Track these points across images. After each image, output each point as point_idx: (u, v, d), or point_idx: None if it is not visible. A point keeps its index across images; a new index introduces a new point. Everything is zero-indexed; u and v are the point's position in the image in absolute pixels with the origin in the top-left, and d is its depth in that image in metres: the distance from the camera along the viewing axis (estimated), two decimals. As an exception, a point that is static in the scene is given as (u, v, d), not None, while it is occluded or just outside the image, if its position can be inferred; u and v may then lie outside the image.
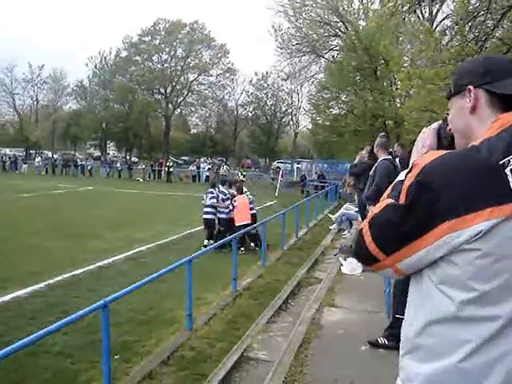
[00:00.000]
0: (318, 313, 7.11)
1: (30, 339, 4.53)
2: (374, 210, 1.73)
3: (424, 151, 1.92)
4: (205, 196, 15.03)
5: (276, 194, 33.96)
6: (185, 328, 7.71)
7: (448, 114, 1.89)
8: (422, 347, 1.66)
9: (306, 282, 10.48)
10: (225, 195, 14.83)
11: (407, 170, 1.73)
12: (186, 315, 7.76)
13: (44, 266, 11.82)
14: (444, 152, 1.66)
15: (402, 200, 1.63)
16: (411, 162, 1.91)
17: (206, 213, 14.80)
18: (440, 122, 1.97)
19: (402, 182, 1.75)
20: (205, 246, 13.62)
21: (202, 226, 15.38)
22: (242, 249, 13.89)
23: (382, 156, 8.36)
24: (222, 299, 9.43)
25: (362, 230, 1.73)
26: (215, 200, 14.70)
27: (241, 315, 8.54)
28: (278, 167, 56.04)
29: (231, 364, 6.05)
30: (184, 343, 7.14)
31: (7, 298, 9.36)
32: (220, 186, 15.34)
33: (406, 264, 1.64)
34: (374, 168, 8.65)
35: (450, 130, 1.89)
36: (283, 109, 72.47)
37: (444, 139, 1.92)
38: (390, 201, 1.69)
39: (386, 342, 5.85)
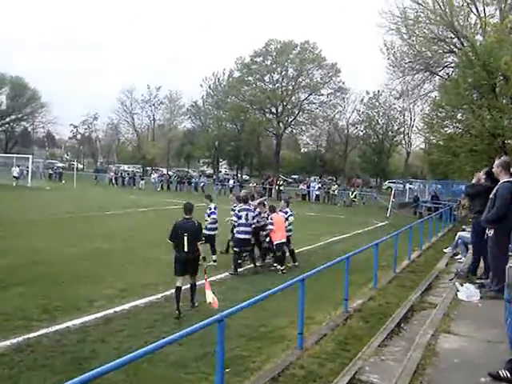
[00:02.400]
0: (433, 339, 6.84)
1: (150, 348, 4.69)
2: None
3: None
4: (245, 214, 13.96)
5: (387, 215, 33.26)
6: (295, 346, 7.74)
7: None
8: None
9: (419, 306, 10.14)
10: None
11: None
12: (296, 334, 7.80)
13: (160, 278, 12.35)
14: None
15: None
16: None
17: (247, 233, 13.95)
18: None
19: None
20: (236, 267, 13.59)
21: (304, 247, 15.45)
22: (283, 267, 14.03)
23: (504, 178, 7.98)
24: (332, 319, 9.36)
25: None
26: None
27: (352, 337, 8.43)
28: (390, 187, 54.89)
29: (342, 385, 5.99)
30: (294, 361, 7.16)
31: (126, 306, 9.93)
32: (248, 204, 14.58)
33: None
34: (494, 190, 8.27)
35: None
36: (395, 127, 71.10)
37: None
38: None
39: (509, 376, 5.51)
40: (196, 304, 10.10)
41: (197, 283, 10.25)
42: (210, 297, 8.83)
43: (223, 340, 5.46)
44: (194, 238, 9.91)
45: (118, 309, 9.69)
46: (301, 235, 21.21)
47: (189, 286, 10.16)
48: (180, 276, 9.96)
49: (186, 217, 10.15)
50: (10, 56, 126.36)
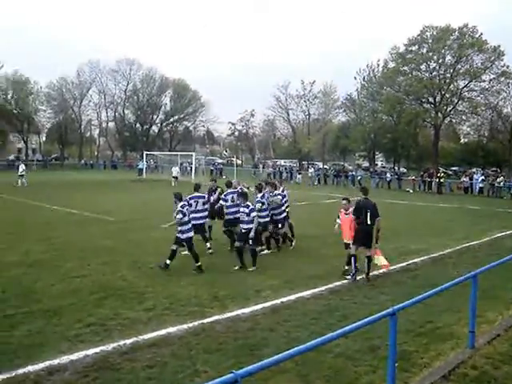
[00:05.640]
0: None
1: (321, 340, 4.84)
2: None
3: None
4: (230, 198, 14.69)
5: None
6: (466, 345, 7.49)
7: None
8: None
9: None
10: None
11: None
12: (467, 332, 7.56)
13: (322, 270, 12.56)
14: None
15: None
16: None
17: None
18: None
19: None
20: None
21: (471, 242, 14.81)
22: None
23: None
24: (505, 319, 8.91)
25: None
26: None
27: (529, 339, 7.97)
28: None
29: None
30: (465, 361, 6.95)
31: (292, 297, 10.27)
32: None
33: None
34: None
35: None
36: None
37: None
38: None
39: None
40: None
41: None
42: (380, 260, 11.91)
43: (395, 334, 5.44)
44: (372, 213, 11.93)
45: (284, 299, 10.04)
46: (465, 229, 20.41)
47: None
48: (355, 245, 11.97)
49: (364, 197, 12.35)
50: (173, 59, 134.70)
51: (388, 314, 5.29)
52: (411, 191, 44.96)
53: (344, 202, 12.74)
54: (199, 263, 12.41)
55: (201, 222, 14.37)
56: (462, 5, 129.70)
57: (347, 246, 12.45)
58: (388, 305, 7.65)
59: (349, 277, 11.66)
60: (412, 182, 47.92)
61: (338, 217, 12.88)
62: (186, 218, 12.59)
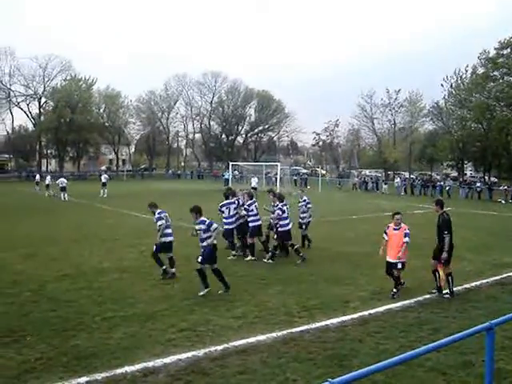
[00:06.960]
0: None
1: (414, 353, 4.82)
2: None
3: None
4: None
5: None
6: None
7: None
8: None
9: None
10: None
11: None
12: None
13: (412, 282, 12.27)
14: None
15: None
16: None
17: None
18: None
19: None
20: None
21: None
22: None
23: None
24: None
25: None
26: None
27: None
28: None
29: None
30: None
31: (381, 309, 10.19)
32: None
33: None
34: None
35: None
36: None
37: None
38: None
39: None
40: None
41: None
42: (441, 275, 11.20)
43: (493, 350, 5.25)
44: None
45: (372, 311, 9.97)
46: None
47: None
48: (447, 265, 11.15)
49: (443, 211, 11.55)
50: (257, 71, 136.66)
51: (485, 328, 5.11)
52: (503, 202, 43.12)
53: (398, 216, 11.49)
54: (164, 267, 12.82)
55: (231, 226, 15.42)
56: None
57: (391, 266, 11.28)
58: (481, 320, 7.41)
59: (447, 295, 11.14)
60: (504, 192, 45.83)
61: (385, 232, 11.62)
62: (165, 223, 12.97)
